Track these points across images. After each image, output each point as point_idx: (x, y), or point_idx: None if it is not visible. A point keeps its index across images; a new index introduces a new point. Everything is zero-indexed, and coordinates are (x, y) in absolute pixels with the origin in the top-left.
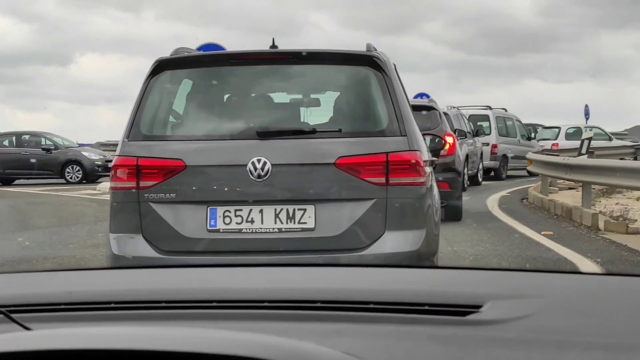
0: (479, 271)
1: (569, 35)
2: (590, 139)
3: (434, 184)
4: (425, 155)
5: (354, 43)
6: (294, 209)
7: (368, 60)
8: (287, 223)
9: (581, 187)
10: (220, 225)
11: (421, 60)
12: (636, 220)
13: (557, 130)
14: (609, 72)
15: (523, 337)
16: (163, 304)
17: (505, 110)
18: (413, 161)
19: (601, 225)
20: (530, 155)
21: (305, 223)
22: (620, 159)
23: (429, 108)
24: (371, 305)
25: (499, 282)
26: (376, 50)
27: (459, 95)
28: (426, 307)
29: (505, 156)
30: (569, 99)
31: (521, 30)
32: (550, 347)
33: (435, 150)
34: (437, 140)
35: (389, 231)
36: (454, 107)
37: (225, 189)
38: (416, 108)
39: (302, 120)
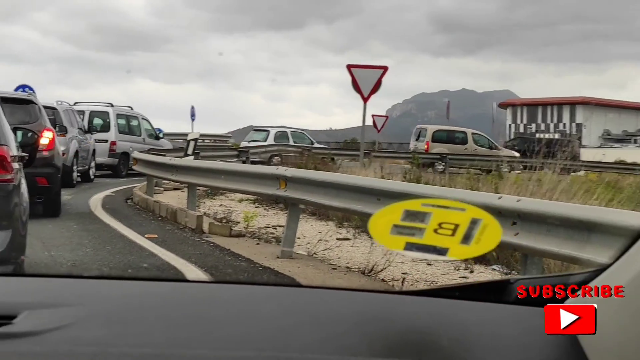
0: (20, 278)
1: (180, 37)
2: (196, 140)
3: (23, 181)
4: (14, 150)
5: None
6: None
7: None
8: None
9: (187, 188)
10: None
11: (29, 51)
12: (239, 223)
13: (266, 132)
14: (216, 76)
15: (56, 350)
16: None
17: (131, 109)
18: None
19: (206, 227)
20: (135, 155)
21: None
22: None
23: (28, 102)
24: None
25: (41, 290)
26: None
27: (68, 89)
28: None
29: (125, 153)
30: (178, 100)
31: (134, 28)
32: (84, 359)
33: (28, 145)
34: (29, 134)
35: None
36: (64, 102)
37: None
38: (14, 101)
39: None
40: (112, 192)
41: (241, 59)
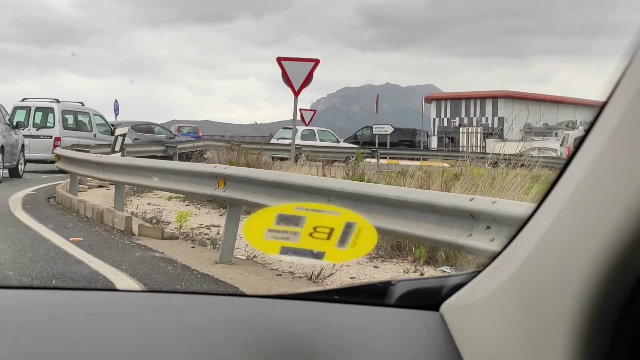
0: None
1: (105, 30)
2: (124, 135)
3: None
4: None
5: None
6: None
7: None
8: None
9: (113, 185)
10: None
11: None
12: (170, 223)
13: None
14: (141, 69)
15: None
16: None
17: (82, 104)
18: None
19: (135, 229)
20: (58, 151)
21: None
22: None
23: None
24: None
25: None
26: None
27: None
28: None
29: None
30: (101, 94)
31: (56, 21)
32: None
33: None
34: None
35: None
36: None
37: None
38: None
39: None
40: (32, 191)
41: (167, 52)
